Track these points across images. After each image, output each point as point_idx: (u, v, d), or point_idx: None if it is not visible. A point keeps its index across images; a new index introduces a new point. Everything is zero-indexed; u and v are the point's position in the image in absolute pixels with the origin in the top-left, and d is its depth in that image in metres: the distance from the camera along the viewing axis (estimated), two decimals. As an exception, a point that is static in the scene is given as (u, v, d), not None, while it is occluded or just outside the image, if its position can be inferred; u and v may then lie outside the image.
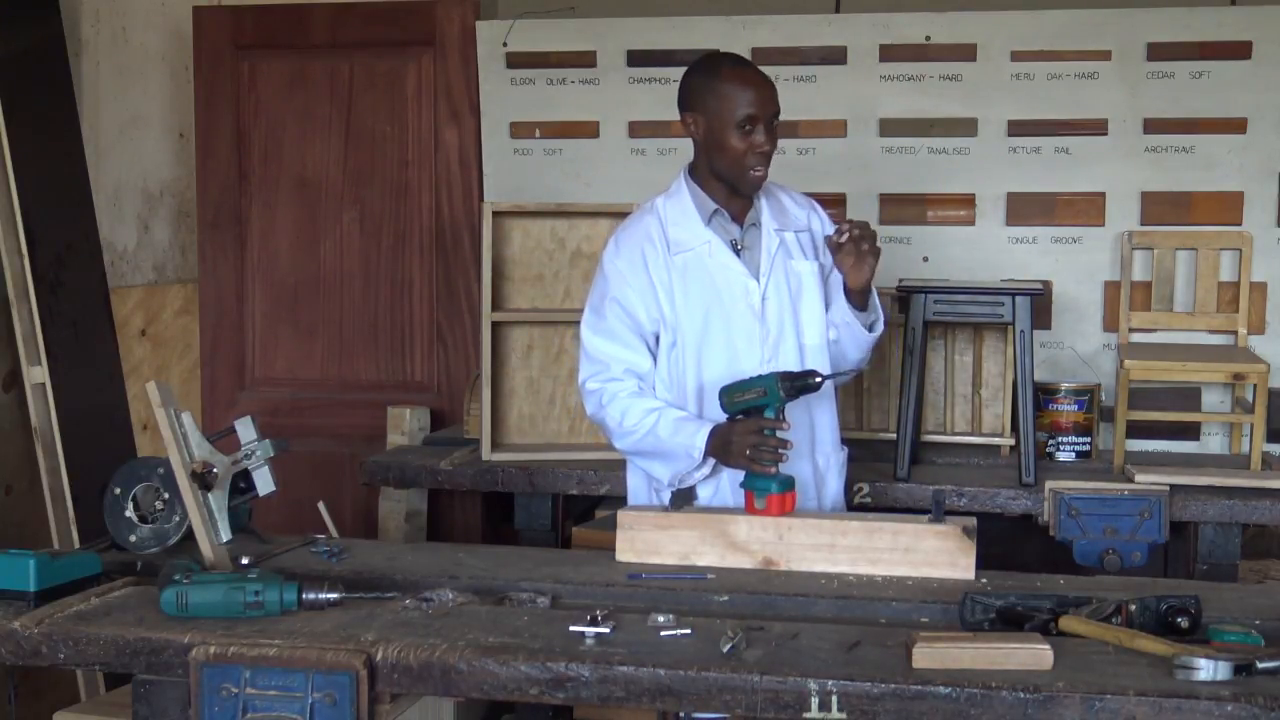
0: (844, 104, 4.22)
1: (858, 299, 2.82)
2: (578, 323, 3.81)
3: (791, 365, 2.77)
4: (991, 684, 1.92)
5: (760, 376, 2.67)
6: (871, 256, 2.74)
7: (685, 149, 4.26)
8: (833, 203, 4.18)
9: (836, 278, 2.86)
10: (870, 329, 2.86)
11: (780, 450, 2.60)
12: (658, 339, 2.84)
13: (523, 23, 4.41)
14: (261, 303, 4.64)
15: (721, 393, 2.68)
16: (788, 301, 2.82)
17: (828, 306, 2.88)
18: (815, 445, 2.89)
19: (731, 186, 2.80)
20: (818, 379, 2.63)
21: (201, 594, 2.20)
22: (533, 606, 2.36)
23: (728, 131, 2.72)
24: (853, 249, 2.72)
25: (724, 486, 2.79)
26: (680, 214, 2.82)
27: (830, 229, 2.87)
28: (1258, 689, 1.88)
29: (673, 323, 2.81)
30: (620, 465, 3.68)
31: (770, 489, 2.59)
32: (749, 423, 2.63)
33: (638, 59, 4.33)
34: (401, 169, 4.53)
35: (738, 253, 2.82)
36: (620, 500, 3.38)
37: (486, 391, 3.77)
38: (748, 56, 4.21)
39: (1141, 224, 4.07)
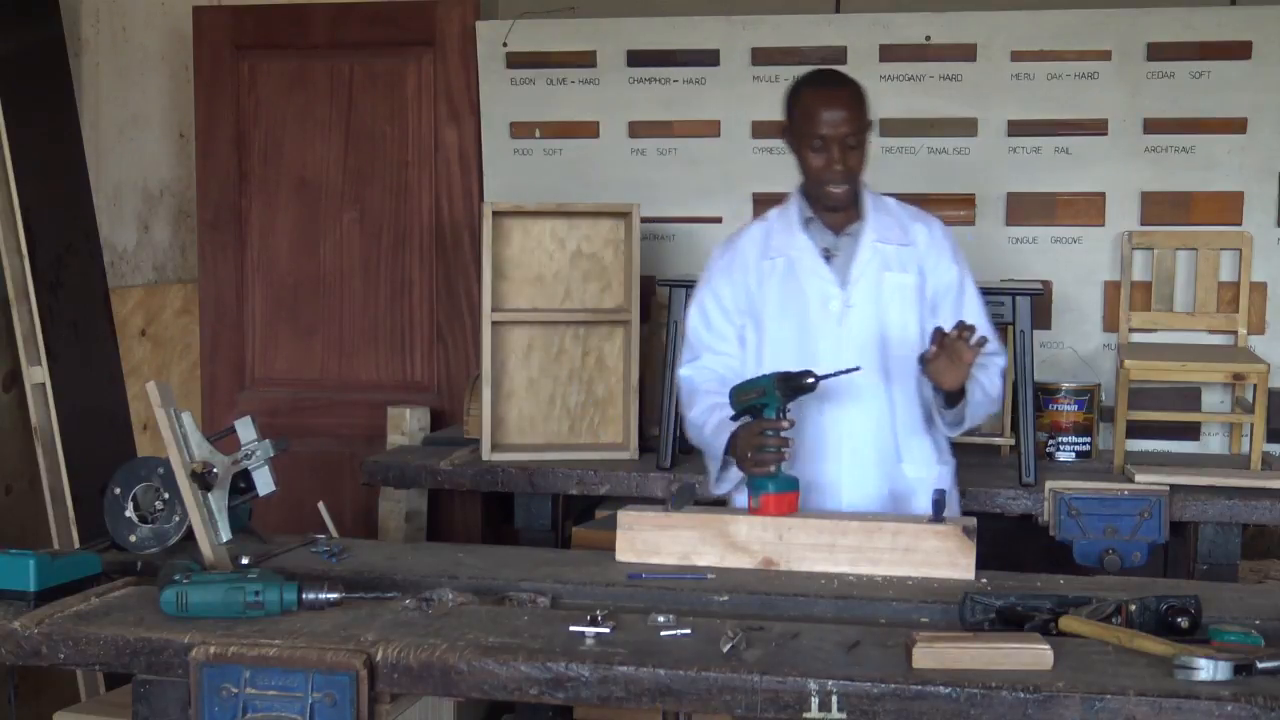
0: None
1: (949, 395, 2.74)
2: (578, 323, 3.87)
3: (874, 378, 2.77)
4: (991, 684, 1.92)
5: (760, 377, 2.69)
6: (967, 357, 2.62)
7: (685, 149, 4.32)
8: (833, 203, 4.19)
9: (940, 300, 2.83)
10: (959, 422, 2.79)
11: (782, 450, 2.60)
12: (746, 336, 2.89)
13: (523, 23, 4.41)
14: (261, 303, 4.64)
15: (730, 393, 2.71)
16: (874, 313, 2.80)
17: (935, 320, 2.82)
18: (842, 448, 2.82)
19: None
20: (810, 379, 2.63)
21: (201, 594, 2.20)
22: (533, 606, 2.37)
23: (804, 148, 2.77)
24: (945, 356, 2.62)
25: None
26: (784, 222, 2.88)
27: (947, 243, 2.85)
28: (1258, 689, 1.88)
29: (758, 324, 2.86)
30: (620, 465, 3.71)
31: (766, 488, 2.60)
32: (752, 424, 2.65)
33: (638, 59, 4.33)
34: (401, 169, 4.53)
35: (829, 261, 2.83)
36: (620, 500, 3.39)
37: (487, 391, 3.77)
38: (747, 56, 4.25)
39: (1141, 224, 4.07)
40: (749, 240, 2.92)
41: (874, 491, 2.80)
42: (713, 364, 2.90)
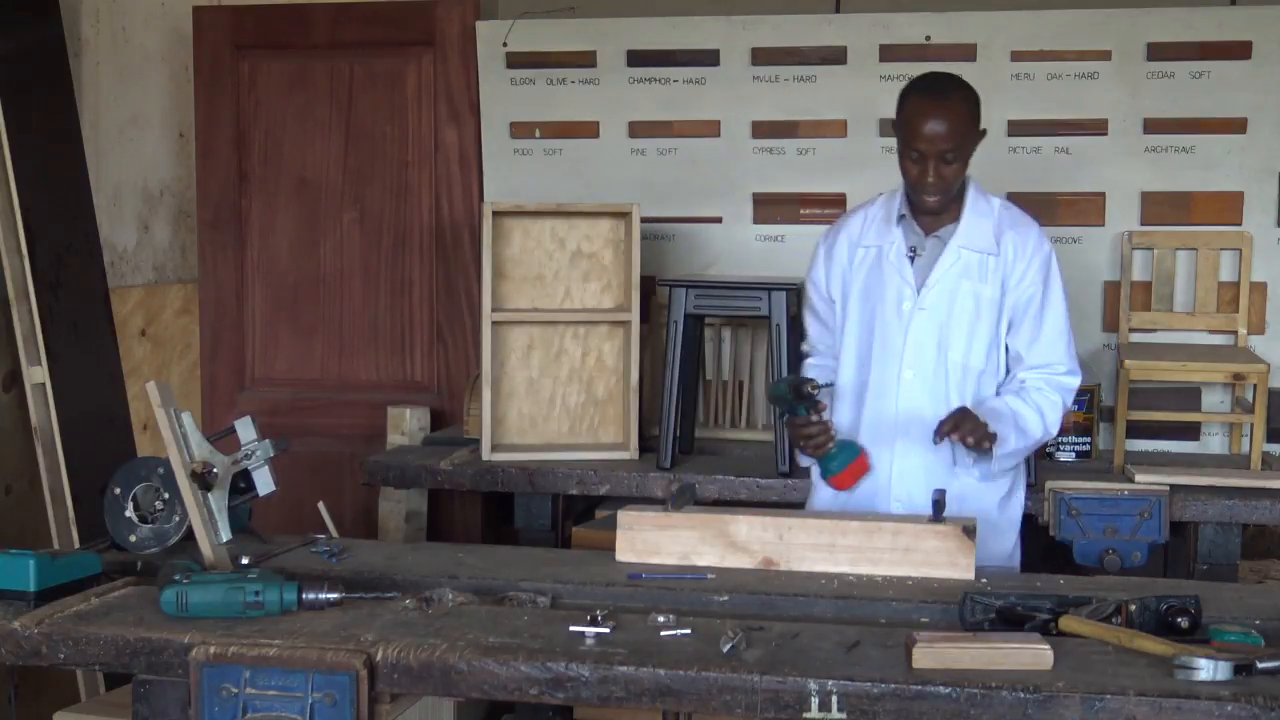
0: (844, 104, 4.22)
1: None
2: (578, 323, 3.87)
3: (929, 381, 2.83)
4: (991, 684, 1.92)
5: (779, 382, 2.87)
6: (974, 439, 2.71)
7: (685, 149, 4.32)
8: (833, 203, 4.19)
9: (1017, 316, 2.86)
10: (991, 468, 2.84)
11: (826, 434, 2.79)
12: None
13: (523, 23, 4.41)
14: (261, 303, 4.64)
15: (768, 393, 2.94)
16: (940, 320, 2.83)
17: (1010, 331, 2.88)
18: (894, 445, 2.87)
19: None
20: (810, 388, 2.76)
21: (201, 594, 2.20)
22: (533, 606, 2.37)
23: (903, 156, 2.80)
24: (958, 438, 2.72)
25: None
26: (884, 213, 2.93)
27: (1037, 259, 2.85)
28: (1258, 689, 1.88)
29: (845, 308, 2.95)
30: (620, 466, 3.71)
31: (830, 469, 2.82)
32: (791, 422, 2.83)
33: (638, 59, 4.33)
34: (401, 169, 4.53)
35: (913, 261, 2.86)
36: (620, 500, 3.39)
37: (487, 391, 3.77)
38: (747, 56, 4.25)
39: (1141, 224, 4.07)
40: (848, 228, 2.98)
41: (920, 489, 2.81)
42: (822, 350, 3.05)
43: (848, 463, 2.81)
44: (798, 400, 2.78)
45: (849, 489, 2.85)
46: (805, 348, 3.11)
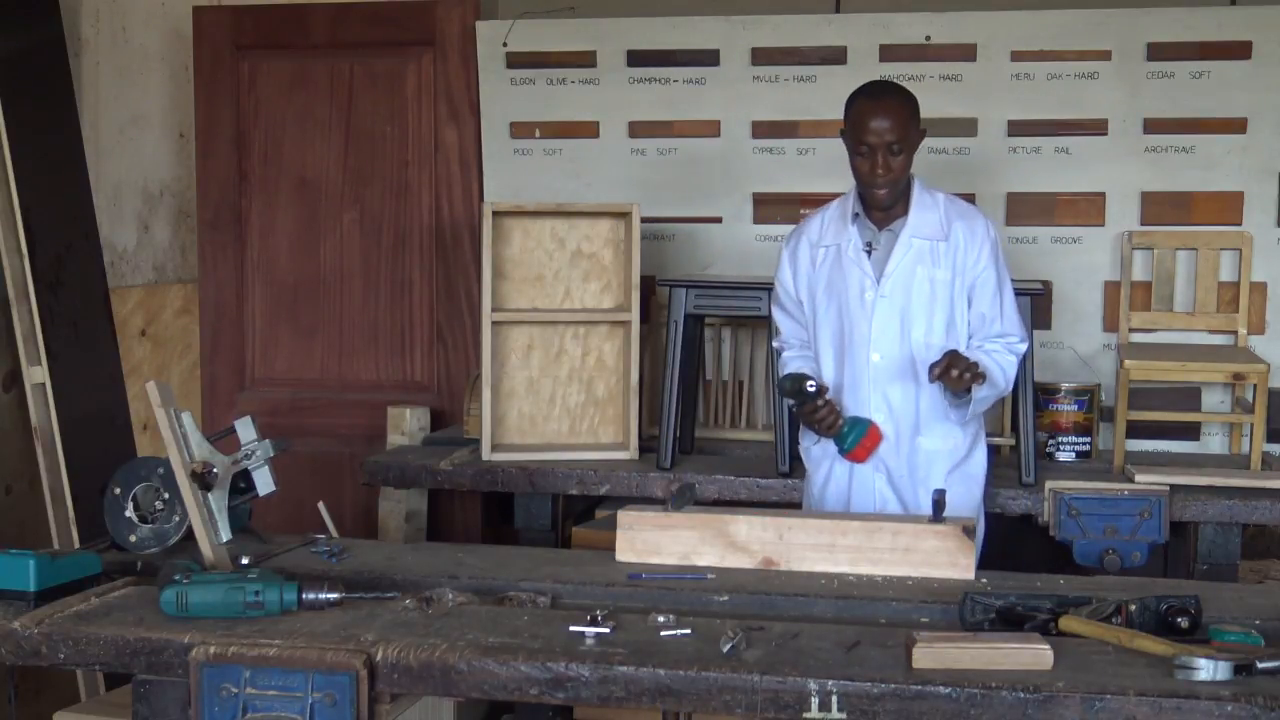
0: (844, 104, 4.21)
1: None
2: (578, 323, 3.87)
3: (897, 363, 3.00)
4: (991, 684, 1.92)
5: (785, 378, 3.05)
6: (969, 374, 2.87)
7: (685, 149, 4.32)
8: (833, 203, 4.19)
9: (972, 294, 3.03)
10: (967, 414, 3.04)
11: (834, 415, 2.95)
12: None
13: (523, 23, 4.41)
14: (261, 303, 4.64)
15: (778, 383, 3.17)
16: (901, 305, 3.01)
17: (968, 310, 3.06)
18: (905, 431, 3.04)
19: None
20: (808, 384, 2.93)
21: (201, 594, 2.20)
22: (533, 606, 2.37)
23: (853, 155, 2.99)
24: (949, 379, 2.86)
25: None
26: (839, 214, 3.11)
27: (987, 243, 3.03)
28: (1258, 689, 1.88)
29: (812, 304, 3.12)
30: (620, 466, 3.71)
31: (844, 445, 2.97)
32: (801, 410, 3.00)
33: (638, 59, 4.33)
34: (401, 169, 4.53)
35: (869, 254, 3.03)
36: (620, 500, 3.39)
37: (486, 391, 3.77)
38: (747, 56, 4.25)
39: (1141, 224, 4.07)
40: (808, 230, 3.15)
41: (890, 460, 3.02)
42: (793, 343, 3.20)
43: (860, 437, 2.96)
44: (798, 396, 2.94)
45: (865, 461, 3.00)
46: (777, 344, 3.26)
